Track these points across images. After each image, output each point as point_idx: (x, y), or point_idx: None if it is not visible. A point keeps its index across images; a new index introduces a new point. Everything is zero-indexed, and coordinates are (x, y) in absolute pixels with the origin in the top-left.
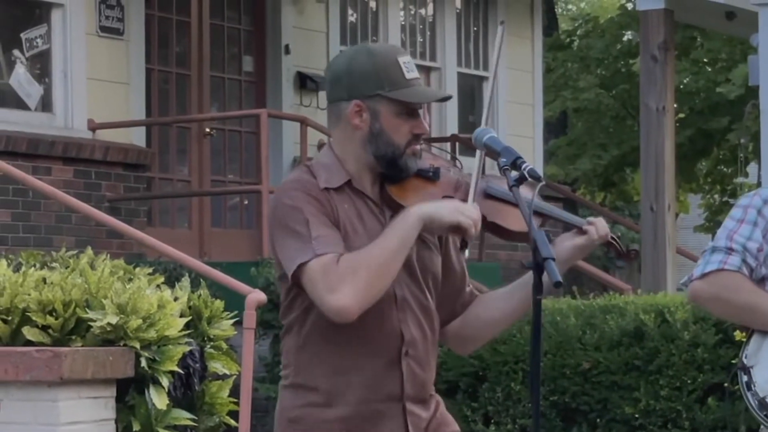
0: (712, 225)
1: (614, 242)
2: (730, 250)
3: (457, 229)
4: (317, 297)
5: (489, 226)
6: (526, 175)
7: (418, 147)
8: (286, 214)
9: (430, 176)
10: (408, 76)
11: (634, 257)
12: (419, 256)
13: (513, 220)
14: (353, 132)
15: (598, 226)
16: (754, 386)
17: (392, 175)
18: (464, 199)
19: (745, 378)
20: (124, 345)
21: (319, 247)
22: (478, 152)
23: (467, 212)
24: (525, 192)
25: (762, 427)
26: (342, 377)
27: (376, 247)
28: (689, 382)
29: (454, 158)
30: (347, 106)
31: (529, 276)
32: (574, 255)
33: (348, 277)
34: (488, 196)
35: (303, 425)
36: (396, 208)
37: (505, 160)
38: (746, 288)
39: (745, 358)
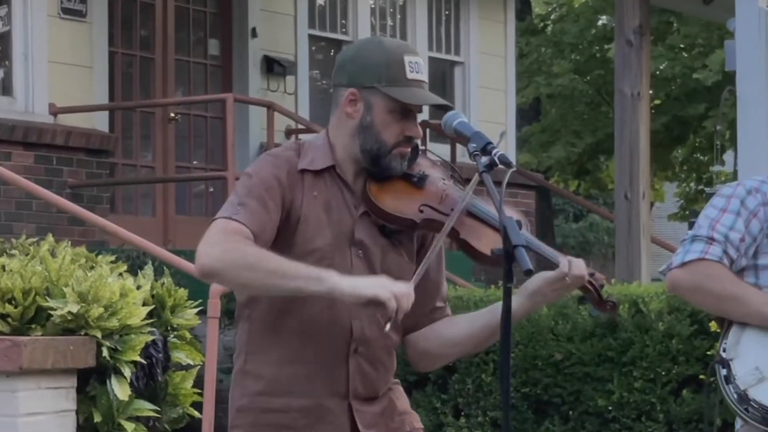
0: (687, 214)
1: (591, 288)
2: (711, 240)
3: (375, 303)
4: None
5: (460, 243)
6: (497, 161)
7: (407, 150)
8: (242, 179)
9: (415, 182)
10: (410, 75)
11: (611, 309)
12: (385, 260)
13: (486, 242)
14: (345, 120)
15: (574, 264)
16: (734, 379)
17: (375, 172)
18: (447, 213)
19: (723, 371)
20: (85, 334)
21: (238, 214)
22: (475, 176)
23: (391, 287)
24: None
25: (738, 420)
26: (287, 368)
27: (274, 260)
28: (663, 374)
29: (459, 179)
30: (344, 93)
31: (495, 306)
32: (540, 288)
33: (227, 246)
34: (469, 213)
35: (249, 415)
36: (371, 207)
37: (475, 145)
38: (728, 278)
39: (723, 351)
